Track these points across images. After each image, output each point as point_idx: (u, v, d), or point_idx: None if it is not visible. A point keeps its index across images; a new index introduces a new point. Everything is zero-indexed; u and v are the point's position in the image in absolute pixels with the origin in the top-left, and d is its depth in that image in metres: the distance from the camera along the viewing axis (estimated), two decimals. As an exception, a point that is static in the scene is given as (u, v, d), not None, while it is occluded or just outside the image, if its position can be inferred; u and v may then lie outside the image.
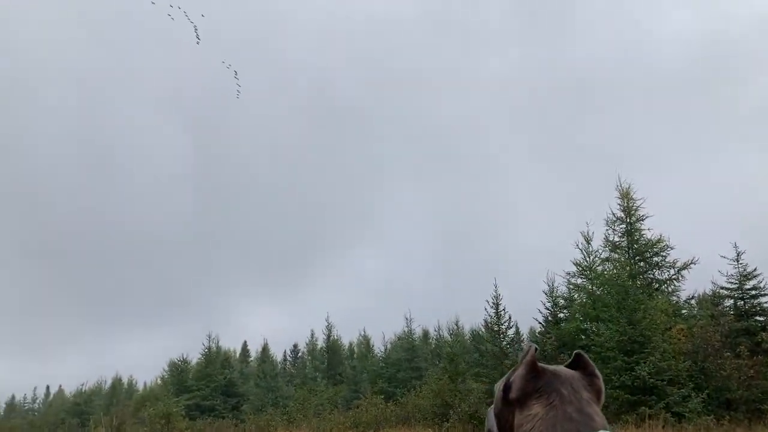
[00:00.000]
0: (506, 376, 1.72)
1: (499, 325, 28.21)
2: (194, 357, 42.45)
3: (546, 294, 26.41)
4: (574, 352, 1.75)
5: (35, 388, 70.13)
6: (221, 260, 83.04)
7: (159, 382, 48.12)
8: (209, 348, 42.02)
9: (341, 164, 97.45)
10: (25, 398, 68.84)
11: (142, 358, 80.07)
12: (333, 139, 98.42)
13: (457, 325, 44.55)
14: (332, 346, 45.86)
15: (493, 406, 1.71)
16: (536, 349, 1.63)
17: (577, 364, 1.72)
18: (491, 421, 1.71)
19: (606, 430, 1.55)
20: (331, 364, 44.57)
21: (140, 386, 57.03)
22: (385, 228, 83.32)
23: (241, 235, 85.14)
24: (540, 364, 1.65)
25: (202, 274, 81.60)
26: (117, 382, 57.45)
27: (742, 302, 21.39)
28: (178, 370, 41.43)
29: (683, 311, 23.54)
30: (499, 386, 1.67)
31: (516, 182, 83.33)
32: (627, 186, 23.71)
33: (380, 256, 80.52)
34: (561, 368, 1.68)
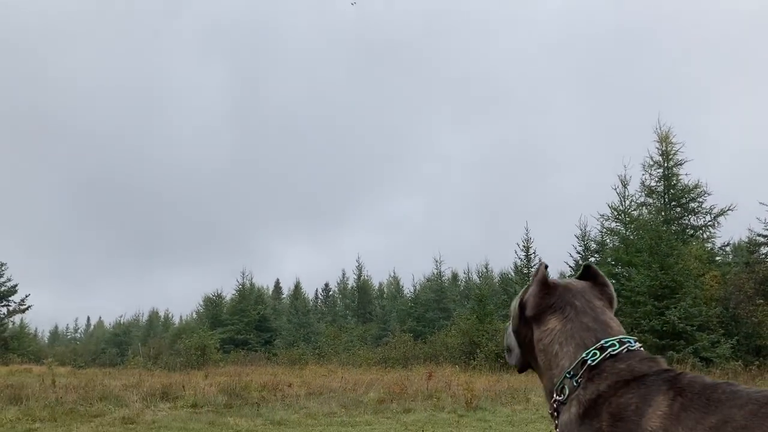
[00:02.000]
0: (519, 294, 1.74)
1: (528, 268, 28.25)
2: (228, 293, 43.53)
3: (578, 238, 26.25)
4: (583, 264, 1.77)
5: (77, 319, 73.19)
6: (258, 199, 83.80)
7: (194, 316, 49.52)
8: (243, 284, 42.98)
9: (380, 103, 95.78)
10: (67, 328, 71.85)
11: (179, 293, 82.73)
12: (373, 75, 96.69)
13: (486, 268, 44.70)
14: (363, 285, 46.54)
15: (510, 323, 1.74)
16: (546, 266, 1.65)
17: (587, 274, 1.74)
18: (510, 338, 1.74)
19: (623, 335, 1.57)
20: (361, 303, 45.32)
21: (176, 320, 58.81)
22: (421, 170, 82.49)
23: (278, 174, 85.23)
24: (551, 279, 1.67)
25: (239, 213, 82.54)
26: (154, 315, 59.35)
27: (780, 249, 21.02)
28: (212, 305, 42.53)
29: (717, 258, 23.24)
30: (514, 305, 1.69)
31: (557, 126, 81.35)
32: (666, 129, 23.15)
33: (414, 198, 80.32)
34: (572, 281, 1.70)
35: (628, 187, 22.92)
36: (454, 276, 46.15)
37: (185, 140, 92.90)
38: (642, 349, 1.52)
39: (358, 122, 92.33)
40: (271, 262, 74.93)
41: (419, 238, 73.25)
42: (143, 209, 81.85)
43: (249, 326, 39.47)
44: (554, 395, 1.54)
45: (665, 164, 22.99)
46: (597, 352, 1.49)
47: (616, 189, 23.16)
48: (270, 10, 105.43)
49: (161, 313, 60.15)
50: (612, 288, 1.72)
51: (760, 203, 20.85)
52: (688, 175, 22.99)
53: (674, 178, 22.93)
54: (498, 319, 25.44)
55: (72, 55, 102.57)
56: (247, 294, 42.64)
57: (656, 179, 23.21)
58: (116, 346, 49.90)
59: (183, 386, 13.27)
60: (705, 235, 23.16)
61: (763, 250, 21.68)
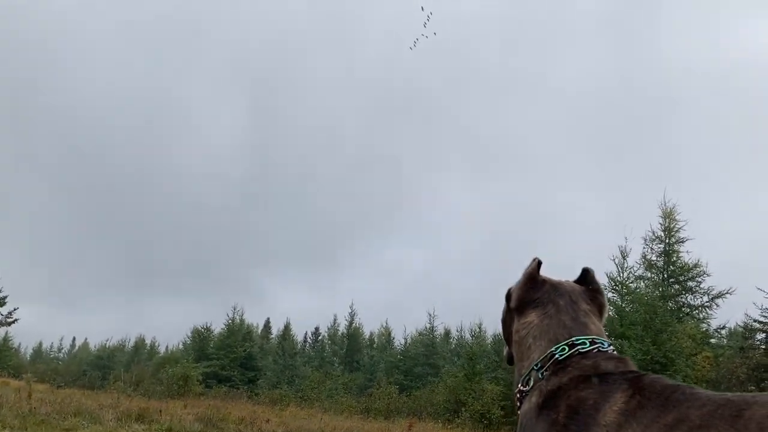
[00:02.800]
0: (511, 286, 1.78)
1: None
2: (217, 327, 43.10)
3: (574, 305, 26.11)
4: (582, 267, 1.78)
5: (62, 338, 72.09)
6: (259, 236, 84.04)
7: (181, 346, 48.96)
8: (233, 319, 42.56)
9: (393, 148, 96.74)
10: (51, 346, 70.87)
11: (168, 322, 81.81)
12: (390, 120, 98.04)
13: (480, 328, 44.27)
14: (353, 333, 46.07)
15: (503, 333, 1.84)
16: (539, 262, 1.68)
17: (584, 279, 1.76)
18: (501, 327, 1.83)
19: (601, 336, 1.58)
20: (350, 351, 44.77)
21: (162, 349, 58.09)
22: (427, 221, 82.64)
23: (282, 212, 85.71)
24: (542, 276, 1.70)
25: (238, 247, 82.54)
26: (140, 342, 58.62)
27: (775, 337, 20.85)
28: (200, 337, 42.06)
29: (712, 340, 23.05)
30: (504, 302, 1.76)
31: (567, 190, 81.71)
32: (671, 206, 23.28)
33: (416, 249, 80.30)
34: (564, 281, 1.73)
35: (627, 258, 22.92)
36: (447, 332, 45.72)
37: (194, 170, 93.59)
38: (614, 351, 1.53)
39: (369, 166, 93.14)
40: (263, 300, 74.46)
41: (416, 290, 72.93)
42: (144, 234, 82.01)
43: (234, 362, 38.93)
44: (519, 385, 1.56)
45: (667, 240, 23.05)
46: (566, 347, 1.52)
47: (615, 260, 23.16)
48: (296, 48, 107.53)
49: (147, 341, 59.48)
50: (605, 297, 1.74)
51: (758, 288, 20.79)
52: (689, 253, 23.03)
53: (675, 255, 22.96)
54: (486, 380, 25.09)
55: (82, 73, 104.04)
56: (236, 330, 42.21)
57: (657, 254, 23.24)
58: (99, 369, 49.17)
59: (160, 411, 13.04)
60: (701, 315, 23.02)
61: (759, 336, 21.50)
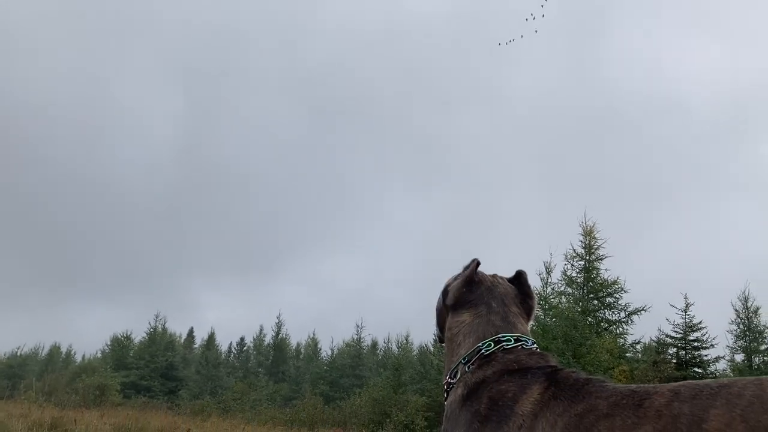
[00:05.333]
0: (449, 280, 1.89)
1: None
2: (139, 335, 41.86)
3: (499, 319, 26.66)
4: (517, 269, 1.91)
5: (-31, 346, 68.30)
6: (187, 242, 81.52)
7: (99, 355, 47.14)
8: (155, 328, 41.47)
9: (334, 158, 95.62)
10: (-43, 354, 66.93)
11: (85, 330, 78.34)
12: (333, 128, 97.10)
13: (407, 340, 44.63)
14: (279, 344, 45.62)
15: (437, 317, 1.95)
16: (478, 263, 1.80)
17: (518, 280, 1.90)
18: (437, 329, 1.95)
19: (527, 335, 1.70)
20: (276, 362, 44.29)
21: (78, 357, 55.73)
22: (363, 232, 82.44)
23: (214, 219, 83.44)
24: (480, 275, 1.83)
25: (164, 253, 80.00)
26: (55, 350, 56.10)
27: (684, 352, 21.91)
28: (119, 346, 40.79)
29: (628, 354, 23.96)
30: (443, 288, 1.87)
31: (504, 204, 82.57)
32: (591, 224, 24.15)
33: (350, 261, 79.53)
34: (499, 283, 1.86)
35: (551, 274, 23.63)
36: (374, 344, 45.84)
37: (124, 170, 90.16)
38: (537, 348, 1.66)
39: (308, 175, 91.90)
40: (189, 308, 72.33)
41: (346, 302, 72.50)
42: (62, 234, 78.47)
43: (155, 373, 37.88)
44: (447, 378, 1.67)
45: (587, 257, 23.89)
46: (492, 343, 1.66)
47: (540, 275, 23.83)
48: (240, 48, 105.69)
49: (63, 349, 56.99)
50: (535, 301, 1.89)
51: (671, 305, 21.86)
52: (607, 271, 23.91)
53: (594, 272, 23.80)
54: (412, 392, 25.28)
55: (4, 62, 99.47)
56: (158, 339, 41.15)
57: (578, 270, 24.03)
58: (8, 378, 46.74)
59: (75, 420, 12.54)
60: (618, 330, 23.90)
61: (671, 350, 22.55)
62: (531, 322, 1.85)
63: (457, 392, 1.59)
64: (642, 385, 1.39)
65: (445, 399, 1.68)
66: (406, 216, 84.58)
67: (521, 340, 1.65)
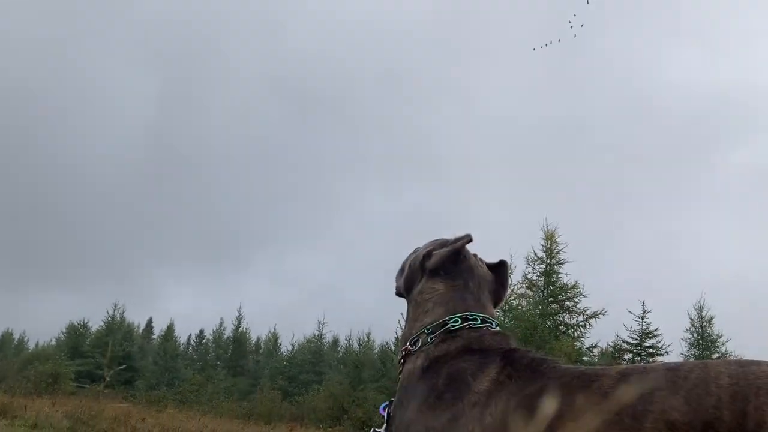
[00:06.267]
0: (431, 243, 1.89)
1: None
2: (96, 324, 41.08)
3: (459, 319, 26.85)
4: (501, 259, 1.94)
5: None
6: (152, 228, 79.53)
7: (53, 343, 46.14)
8: (113, 317, 40.79)
9: (309, 151, 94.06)
10: None
11: (40, 316, 76.37)
12: (309, 122, 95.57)
13: (368, 337, 44.60)
14: (239, 338, 45.20)
15: (412, 257, 1.90)
16: (470, 239, 1.80)
17: (499, 269, 1.93)
18: (406, 269, 1.90)
19: (494, 319, 1.74)
20: (235, 356, 43.90)
21: (32, 344, 54.42)
22: (333, 227, 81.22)
23: (181, 205, 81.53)
24: (466, 251, 1.83)
25: (124, 241, 77.87)
26: (7, 336, 54.76)
27: (639, 358, 22.36)
28: (75, 334, 39.98)
29: (585, 357, 24.35)
30: (421, 251, 1.85)
31: (478, 203, 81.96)
32: (553, 228, 24.47)
33: (317, 255, 78.51)
34: (480, 265, 1.87)
35: (512, 276, 23.88)
36: (335, 341, 45.74)
37: (87, 151, 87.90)
38: (501, 331, 1.70)
39: (279, 166, 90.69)
40: (148, 298, 71.05)
41: (309, 297, 71.87)
42: (17, 219, 76.35)
43: (111, 362, 37.19)
44: (407, 344, 1.68)
45: (548, 261, 24.22)
46: (459, 320, 1.67)
47: (501, 276, 24.06)
48: (220, 30, 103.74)
49: (16, 335, 55.62)
50: (506, 293, 1.94)
51: (629, 311, 22.32)
52: (567, 275, 24.26)
53: (554, 276, 24.14)
54: (371, 389, 25.32)
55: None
56: (116, 328, 40.45)
57: (538, 274, 24.35)
58: (-44, 364, 45.48)
59: (25, 407, 12.30)
60: (576, 334, 24.28)
61: (627, 356, 23.01)
62: (497, 308, 1.90)
63: (417, 362, 1.62)
64: (592, 367, 1.45)
65: (401, 365, 1.70)
66: (377, 212, 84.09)
67: (487, 321, 1.68)
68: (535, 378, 1.41)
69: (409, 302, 1.83)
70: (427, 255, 1.80)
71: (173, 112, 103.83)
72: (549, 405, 1.32)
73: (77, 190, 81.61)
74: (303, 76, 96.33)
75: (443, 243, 1.83)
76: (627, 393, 1.26)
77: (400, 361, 1.73)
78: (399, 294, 1.94)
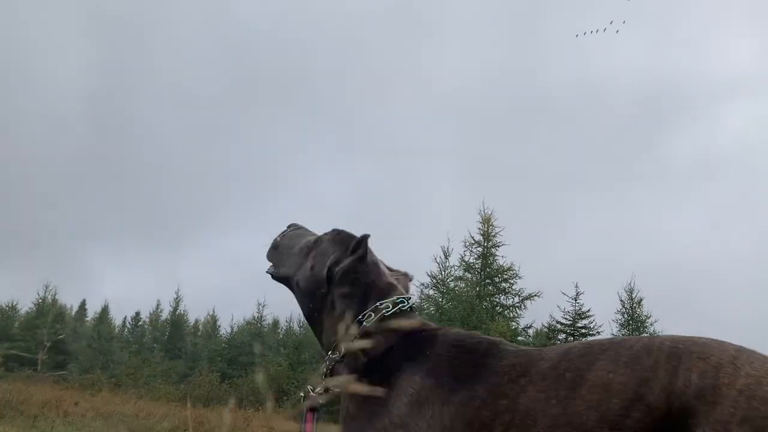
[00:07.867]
0: (330, 239, 1.93)
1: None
2: (25, 305, 39.71)
3: (399, 301, 27.13)
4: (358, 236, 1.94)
5: None
6: (82, 206, 76.20)
7: (-22, 325, 44.39)
8: (44, 299, 39.55)
9: (256, 129, 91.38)
10: None
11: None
12: (255, 99, 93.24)
13: (308, 319, 44.55)
14: (177, 320, 44.54)
15: (312, 262, 1.91)
16: (368, 237, 1.84)
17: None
18: (302, 270, 1.93)
19: (404, 295, 1.81)
20: (173, 338, 43.22)
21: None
22: (279, 208, 79.73)
23: (120, 182, 78.17)
24: (369, 255, 1.87)
25: (56, 220, 74.58)
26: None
27: (572, 338, 23.12)
28: (3, 316, 38.58)
29: (520, 337, 25.04)
30: (325, 263, 1.83)
31: (422, 185, 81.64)
32: (490, 212, 24.94)
33: (259, 237, 76.90)
34: (383, 267, 1.94)
35: (449, 258, 24.31)
36: (275, 323, 45.53)
37: (20, 116, 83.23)
38: (412, 307, 1.78)
39: (224, 143, 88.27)
40: (81, 278, 68.23)
41: (250, 279, 70.61)
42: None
43: (41, 345, 36.12)
44: (330, 353, 1.74)
45: (485, 244, 24.73)
46: (372, 314, 1.74)
47: (437, 259, 24.45)
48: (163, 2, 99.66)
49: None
50: (410, 281, 2.00)
51: (562, 293, 23.03)
52: (504, 258, 24.83)
53: (491, 258, 24.67)
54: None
55: None
56: (47, 310, 39.20)
57: (475, 256, 24.84)
58: None
59: (-51, 392, 11.89)
60: (511, 315, 24.93)
61: (561, 336, 23.77)
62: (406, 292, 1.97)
63: (347, 376, 1.65)
64: (532, 349, 1.56)
65: (326, 375, 1.71)
66: (323, 192, 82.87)
67: (399, 303, 1.76)
68: (462, 384, 1.51)
69: (318, 313, 1.85)
70: (336, 263, 1.80)
71: (110, 84, 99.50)
72: (482, 413, 1.44)
73: (4, 165, 77.85)
74: (253, 52, 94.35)
75: (343, 251, 1.83)
76: (567, 368, 1.38)
77: (324, 373, 1.74)
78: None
